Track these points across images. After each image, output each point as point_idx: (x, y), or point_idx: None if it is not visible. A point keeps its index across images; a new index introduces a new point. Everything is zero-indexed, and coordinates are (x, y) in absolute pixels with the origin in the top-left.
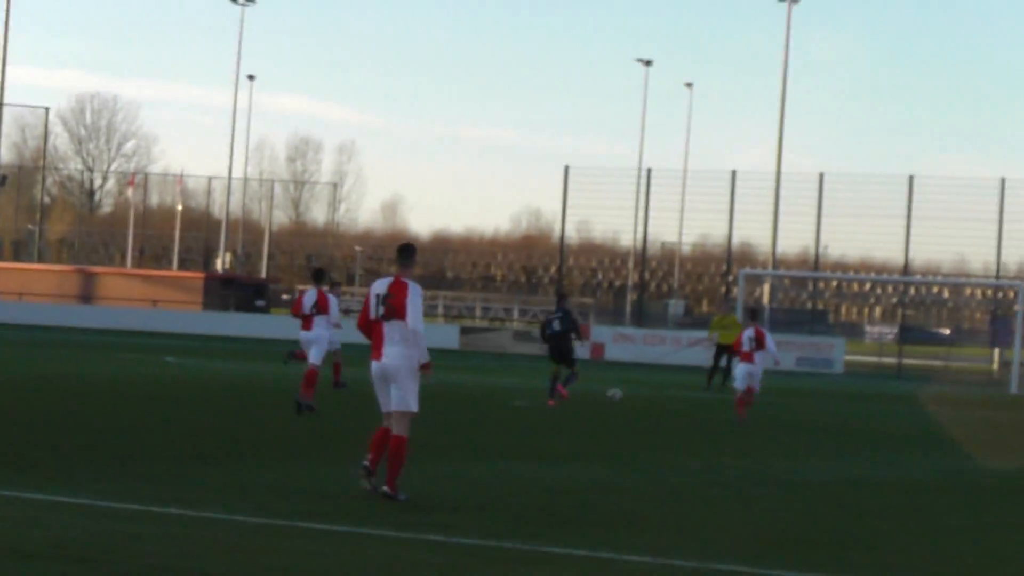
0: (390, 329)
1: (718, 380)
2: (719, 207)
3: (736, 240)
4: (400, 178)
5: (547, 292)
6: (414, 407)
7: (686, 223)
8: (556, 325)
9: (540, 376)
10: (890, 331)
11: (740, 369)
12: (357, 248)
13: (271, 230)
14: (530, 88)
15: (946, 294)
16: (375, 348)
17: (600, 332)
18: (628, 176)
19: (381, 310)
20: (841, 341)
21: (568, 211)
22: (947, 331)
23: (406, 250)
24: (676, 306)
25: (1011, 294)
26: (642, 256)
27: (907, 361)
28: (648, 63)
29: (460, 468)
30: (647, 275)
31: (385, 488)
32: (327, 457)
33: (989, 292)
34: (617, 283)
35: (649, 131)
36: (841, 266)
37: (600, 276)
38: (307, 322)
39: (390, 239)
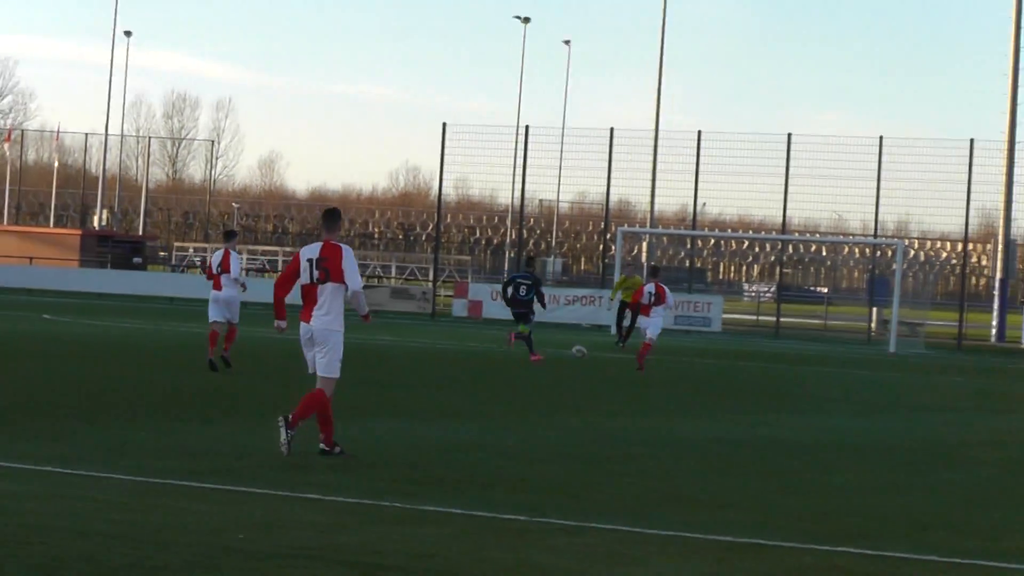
0: (324, 292)
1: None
2: (597, 165)
3: (614, 198)
4: (277, 135)
5: (424, 249)
6: (337, 372)
7: (564, 181)
8: (523, 292)
9: (419, 334)
10: (768, 289)
11: (643, 321)
12: (234, 205)
13: (148, 187)
14: (408, 45)
15: (824, 253)
16: (305, 310)
17: (478, 290)
18: (506, 134)
19: (317, 274)
20: (719, 299)
21: (446, 169)
22: (824, 290)
23: (331, 214)
24: (554, 264)
25: (889, 253)
26: (520, 214)
27: (785, 320)
28: (526, 20)
29: (336, 427)
30: (525, 233)
31: (322, 445)
32: (206, 416)
33: (867, 251)
34: (495, 241)
35: (527, 89)
36: (719, 224)
37: (478, 234)
38: (216, 281)
39: (267, 196)
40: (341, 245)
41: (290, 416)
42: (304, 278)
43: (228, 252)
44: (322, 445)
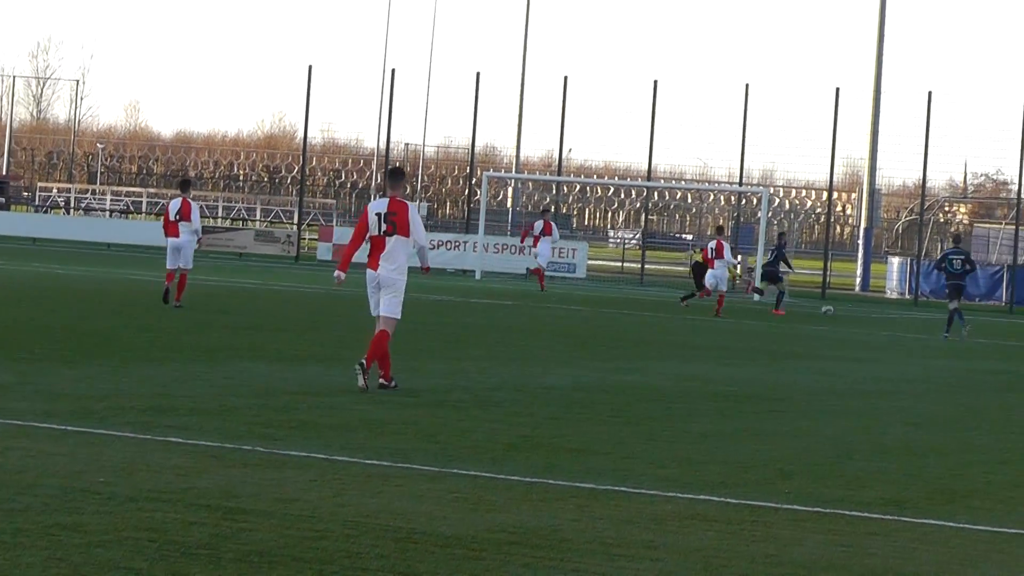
0: (392, 244)
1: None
2: (463, 109)
3: (480, 143)
4: (143, 77)
5: (289, 192)
6: (398, 314)
7: (430, 125)
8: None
9: (283, 277)
10: (633, 236)
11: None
12: (99, 145)
13: (12, 127)
14: None
15: (690, 200)
16: (372, 258)
17: (343, 233)
18: (372, 77)
19: (384, 227)
20: (584, 246)
21: (311, 112)
22: (690, 237)
23: (396, 173)
24: (420, 208)
25: (755, 200)
26: (385, 158)
27: (650, 267)
28: None
29: (200, 370)
30: None
31: (381, 380)
32: (67, 358)
33: (732, 198)
34: (361, 184)
35: (393, 33)
36: (585, 171)
37: (343, 177)
38: (173, 228)
39: (132, 137)
40: (407, 202)
41: (363, 361)
42: (372, 230)
43: (187, 201)
44: (381, 380)
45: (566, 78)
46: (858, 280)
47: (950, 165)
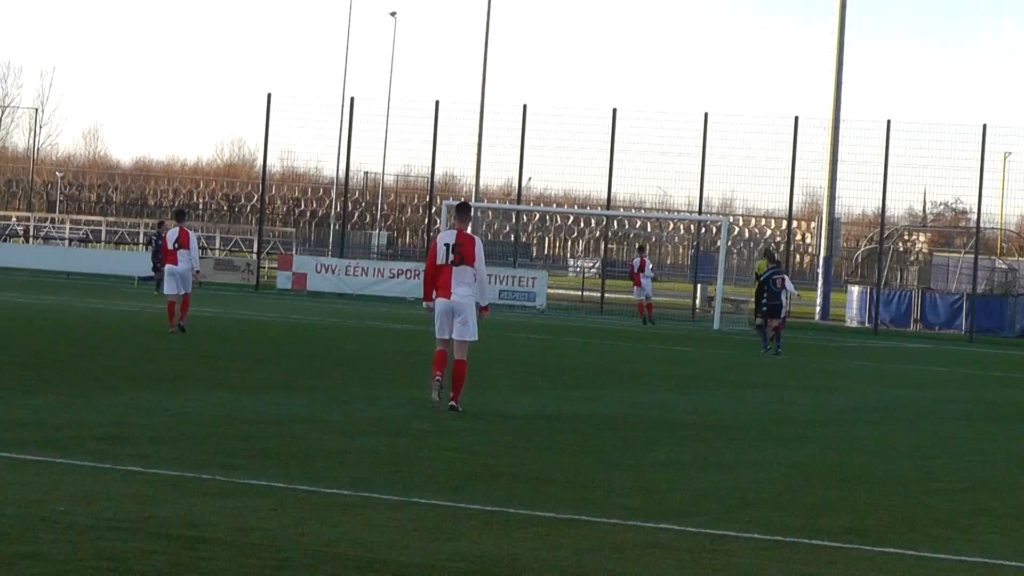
0: (459, 273)
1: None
2: (422, 138)
3: (439, 171)
4: (102, 105)
5: (249, 220)
6: (475, 337)
7: (389, 154)
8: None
9: (243, 306)
10: (593, 265)
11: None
12: (58, 174)
13: None
14: (234, 15)
15: (649, 228)
16: (443, 287)
17: (303, 262)
18: (332, 105)
19: (451, 257)
20: (543, 274)
21: (271, 140)
22: (650, 266)
23: (465, 207)
24: (379, 237)
25: (714, 229)
26: (345, 186)
27: (610, 295)
28: None
29: (160, 398)
30: (350, 205)
31: (452, 402)
32: (27, 386)
33: (692, 227)
34: (320, 213)
35: (353, 61)
36: (544, 199)
37: (303, 206)
38: (172, 256)
39: (91, 165)
40: (474, 236)
41: (439, 376)
42: (440, 259)
43: (184, 230)
44: (452, 403)
45: (525, 106)
46: (818, 309)
47: (909, 194)
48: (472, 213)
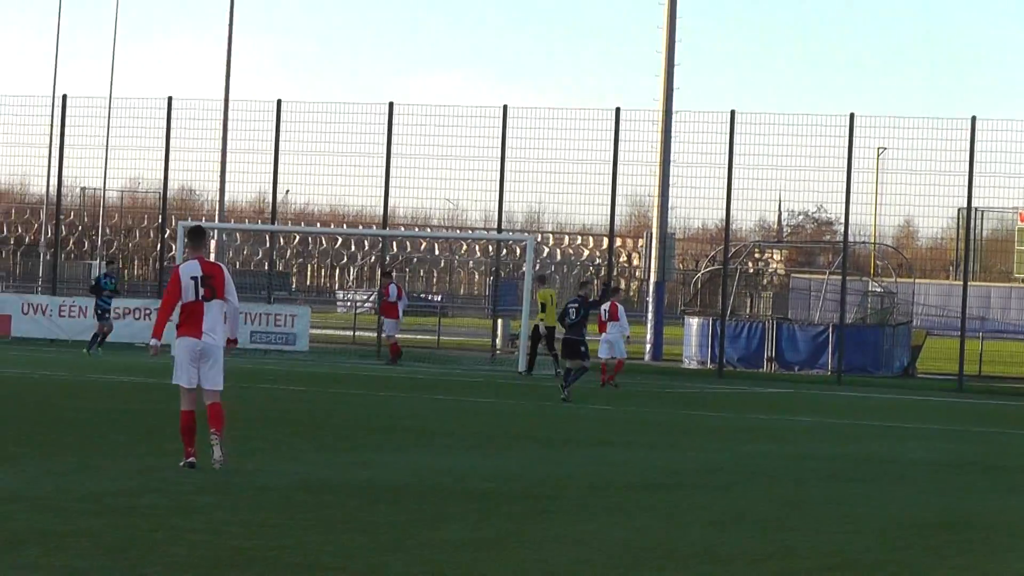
0: (211, 309)
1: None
2: (154, 144)
3: (175, 185)
4: None
5: None
6: (223, 384)
7: (113, 164)
8: None
9: None
10: (368, 298)
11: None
12: None
13: None
14: None
15: (437, 251)
16: (191, 326)
17: (5, 301)
18: (39, 105)
19: (202, 291)
20: (306, 311)
21: None
22: (438, 297)
23: (199, 232)
24: (100, 267)
25: (517, 251)
26: (57, 206)
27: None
28: None
29: None
30: (64, 229)
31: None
32: None
33: (491, 248)
34: (27, 239)
35: (65, 51)
36: (306, 217)
37: (5, 231)
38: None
39: None
40: (220, 264)
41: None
42: (188, 296)
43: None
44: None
45: (279, 102)
46: (648, 347)
47: (761, 202)
48: (209, 238)
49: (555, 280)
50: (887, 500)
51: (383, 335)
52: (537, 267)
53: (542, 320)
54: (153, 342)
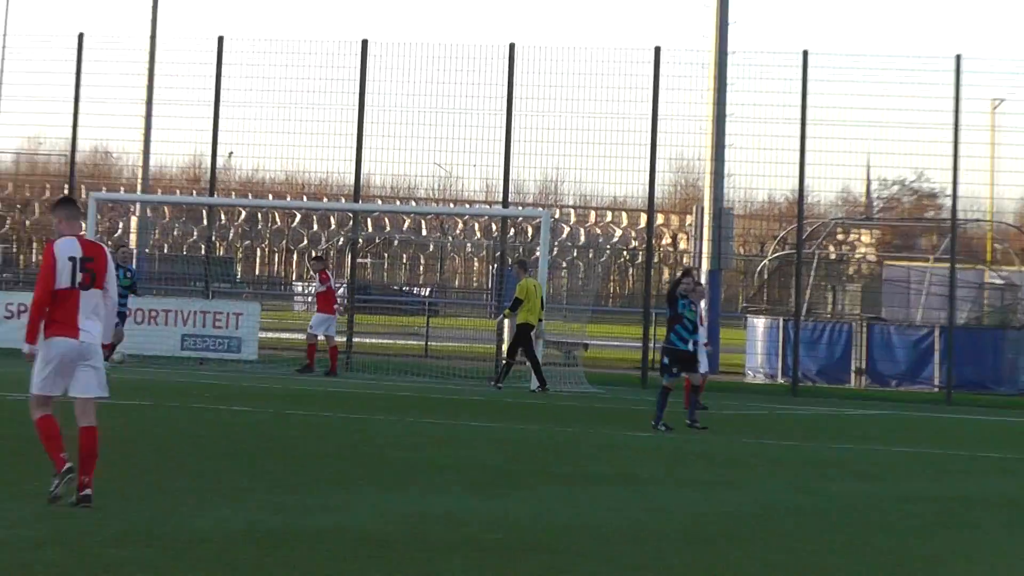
0: (88, 299)
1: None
2: (59, 94)
3: (86, 145)
4: None
5: None
6: (107, 391)
7: (5, 120)
8: None
9: None
10: (339, 287)
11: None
12: None
13: None
14: None
15: (425, 231)
16: (66, 322)
17: None
18: None
19: (80, 277)
20: (254, 308)
21: None
22: (425, 291)
23: (67, 203)
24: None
25: (529, 230)
26: None
27: (362, 340)
28: None
29: None
30: None
31: (85, 490)
32: None
33: (495, 225)
34: None
35: None
36: (254, 187)
37: None
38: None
39: None
40: (102, 244)
41: (69, 466)
42: (63, 281)
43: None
44: (85, 490)
45: (221, 39)
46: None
47: (843, 167)
48: (82, 210)
49: (578, 268)
50: (1012, 553)
51: (308, 331)
52: (555, 251)
53: (507, 316)
54: (29, 348)
